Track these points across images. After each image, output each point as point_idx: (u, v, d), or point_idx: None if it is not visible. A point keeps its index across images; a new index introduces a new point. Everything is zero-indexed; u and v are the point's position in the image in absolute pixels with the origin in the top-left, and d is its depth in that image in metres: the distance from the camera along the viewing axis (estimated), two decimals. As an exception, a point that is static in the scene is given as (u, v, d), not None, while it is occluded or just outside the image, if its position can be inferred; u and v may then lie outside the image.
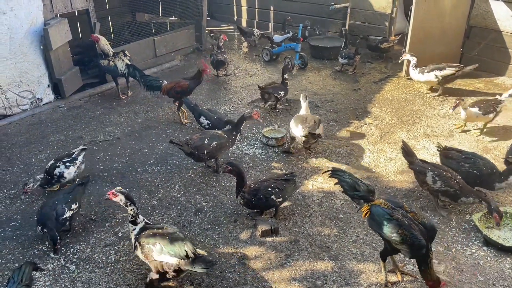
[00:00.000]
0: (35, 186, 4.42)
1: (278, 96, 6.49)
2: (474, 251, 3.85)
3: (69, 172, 4.63)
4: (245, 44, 10.12)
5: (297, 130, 5.16)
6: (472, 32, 7.79)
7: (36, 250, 3.94)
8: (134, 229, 3.46)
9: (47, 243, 3.95)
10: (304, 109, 5.56)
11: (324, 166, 5.16)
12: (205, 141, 4.82)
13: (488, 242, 3.90)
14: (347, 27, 8.80)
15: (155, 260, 3.28)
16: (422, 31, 7.34)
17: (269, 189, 4.16)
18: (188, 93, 6.15)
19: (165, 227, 3.47)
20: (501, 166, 4.56)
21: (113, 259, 3.83)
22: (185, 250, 3.22)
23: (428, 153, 5.37)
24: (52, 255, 3.86)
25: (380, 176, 4.99)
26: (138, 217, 3.48)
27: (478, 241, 3.96)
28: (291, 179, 4.32)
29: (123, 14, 10.32)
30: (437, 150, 4.85)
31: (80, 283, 3.58)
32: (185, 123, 6.29)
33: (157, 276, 3.37)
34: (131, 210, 3.44)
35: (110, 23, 9.75)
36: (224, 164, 4.40)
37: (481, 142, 5.61)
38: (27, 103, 6.58)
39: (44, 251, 3.92)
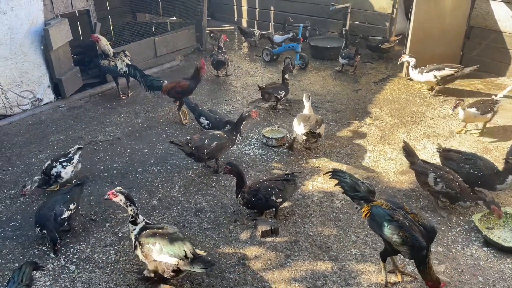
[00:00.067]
0: (33, 188, 4.42)
1: (279, 96, 6.50)
2: (474, 251, 3.85)
3: (66, 172, 4.64)
4: (245, 44, 10.13)
5: (299, 128, 5.19)
6: (473, 33, 7.79)
7: (36, 250, 3.94)
8: (134, 229, 3.47)
9: (47, 243, 3.94)
10: (307, 109, 5.59)
11: (324, 167, 5.16)
12: (206, 142, 4.82)
13: (488, 243, 3.90)
14: (347, 28, 8.80)
15: (155, 261, 3.29)
16: (423, 31, 7.34)
17: (269, 189, 4.16)
18: (188, 93, 6.15)
19: (165, 227, 3.47)
20: (501, 167, 4.55)
21: (113, 259, 3.83)
22: (184, 250, 3.22)
23: (429, 154, 5.37)
24: (52, 255, 3.86)
25: (380, 176, 4.99)
26: (138, 217, 3.49)
27: (478, 242, 3.96)
28: (291, 179, 4.32)
29: (124, 14, 10.33)
30: (437, 151, 4.85)
31: (80, 283, 3.58)
32: (186, 123, 6.29)
33: (152, 275, 3.40)
34: (131, 210, 3.44)
35: (111, 23, 9.75)
36: (223, 164, 4.40)
37: (481, 143, 5.61)
38: (27, 103, 6.58)
39: (44, 251, 3.92)
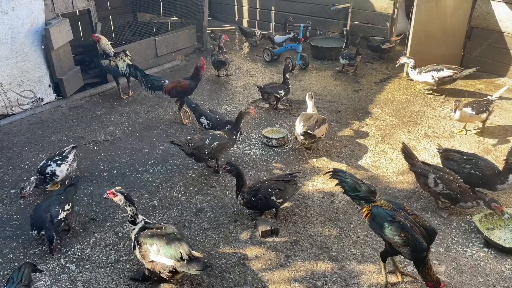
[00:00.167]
0: (31, 189, 4.41)
1: (278, 96, 6.49)
2: (474, 252, 3.85)
3: (61, 170, 4.64)
4: (246, 44, 10.12)
5: (298, 128, 5.20)
6: (474, 33, 7.78)
7: (36, 250, 3.94)
8: (133, 229, 3.47)
9: (47, 244, 3.94)
10: (310, 108, 5.61)
11: (324, 167, 5.16)
12: (206, 142, 4.82)
13: (489, 243, 3.89)
14: (348, 28, 8.80)
15: (152, 261, 3.30)
16: (424, 32, 7.33)
17: (269, 189, 4.15)
18: (189, 93, 6.15)
19: (164, 227, 3.47)
20: (502, 167, 4.55)
21: (114, 259, 3.83)
22: (180, 252, 3.22)
23: (429, 154, 5.37)
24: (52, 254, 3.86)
25: (380, 176, 4.99)
26: (137, 217, 3.49)
27: (478, 242, 3.95)
28: (292, 179, 4.31)
29: (125, 14, 10.33)
30: (437, 152, 4.84)
31: (80, 283, 3.58)
32: (186, 123, 6.29)
33: (149, 274, 3.45)
34: (130, 210, 3.45)
35: (112, 23, 9.75)
36: (223, 164, 4.40)
37: (481, 143, 5.60)
38: (28, 103, 6.59)
39: (44, 250, 3.92)
